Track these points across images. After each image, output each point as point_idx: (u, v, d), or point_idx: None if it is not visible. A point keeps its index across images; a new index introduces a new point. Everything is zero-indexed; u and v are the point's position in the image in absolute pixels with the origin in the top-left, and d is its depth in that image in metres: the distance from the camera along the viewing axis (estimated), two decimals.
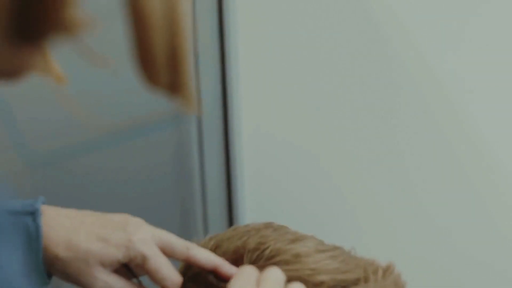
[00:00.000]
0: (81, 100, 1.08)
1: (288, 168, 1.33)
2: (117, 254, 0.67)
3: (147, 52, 0.37)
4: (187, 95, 0.41)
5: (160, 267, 0.68)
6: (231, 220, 1.32)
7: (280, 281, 0.66)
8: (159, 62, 0.38)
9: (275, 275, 0.66)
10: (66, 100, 1.06)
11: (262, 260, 0.70)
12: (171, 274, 0.69)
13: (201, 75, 1.28)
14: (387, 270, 0.73)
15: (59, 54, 0.40)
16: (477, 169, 1.24)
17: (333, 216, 1.31)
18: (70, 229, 0.67)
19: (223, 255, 0.71)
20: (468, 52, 1.20)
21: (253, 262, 0.71)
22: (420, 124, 1.24)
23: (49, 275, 0.70)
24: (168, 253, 0.70)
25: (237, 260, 0.71)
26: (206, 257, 0.70)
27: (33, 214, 0.66)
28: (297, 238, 0.73)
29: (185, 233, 1.04)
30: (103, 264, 0.67)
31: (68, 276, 0.68)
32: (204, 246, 0.73)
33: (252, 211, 1.31)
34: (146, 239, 0.68)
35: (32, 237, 0.66)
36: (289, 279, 0.67)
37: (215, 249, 0.72)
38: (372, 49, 1.23)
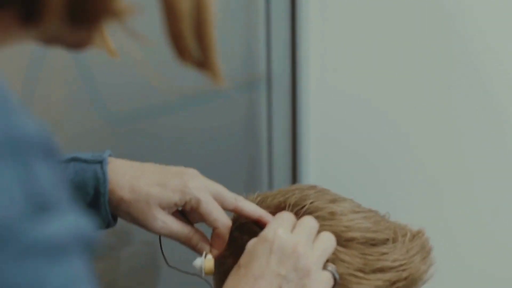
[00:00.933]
0: (156, 66, 1.17)
1: (355, 133, 1.37)
2: (174, 197, 0.75)
3: (176, 32, 0.45)
4: (215, 70, 0.49)
5: (212, 210, 0.76)
6: (294, 183, 1.37)
7: (313, 228, 0.72)
8: (187, 41, 0.46)
9: (309, 222, 0.73)
10: (142, 66, 1.15)
11: (300, 215, 0.77)
12: (222, 216, 0.77)
13: (272, 42, 1.34)
14: (416, 234, 0.79)
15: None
16: None
17: (396, 187, 1.35)
18: (133, 176, 0.76)
19: (267, 208, 0.78)
20: None
21: None
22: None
23: (115, 218, 0.80)
24: (219, 202, 0.77)
25: (267, 225, 0.79)
26: (252, 208, 0.78)
27: (101, 162, 0.76)
28: (336, 199, 0.80)
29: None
30: (162, 206, 0.75)
31: (131, 217, 0.76)
32: (251, 200, 0.80)
33: (315, 175, 1.37)
34: (200, 186, 0.76)
35: (100, 182, 0.75)
36: None
37: (260, 203, 0.80)
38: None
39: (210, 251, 0.77)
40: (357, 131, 1.37)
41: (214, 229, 0.77)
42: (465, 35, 1.26)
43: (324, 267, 0.71)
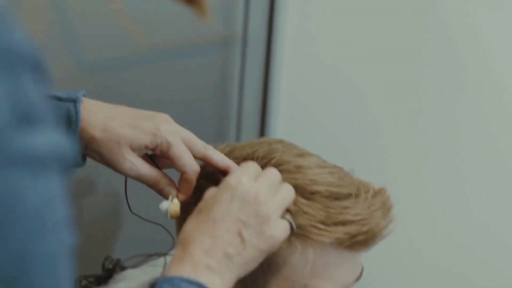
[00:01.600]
0: (134, 19, 1.18)
1: (323, 99, 1.39)
2: (145, 139, 0.76)
3: None
4: (202, 5, 0.50)
5: (182, 154, 0.77)
6: None
7: (276, 179, 0.74)
8: None
9: (273, 173, 0.74)
10: (122, 17, 1.15)
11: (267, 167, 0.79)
12: (191, 162, 0.78)
13: (251, 3, 1.34)
14: (378, 191, 0.81)
15: None
16: None
17: (360, 151, 1.38)
18: (106, 116, 0.76)
19: (234, 159, 0.80)
20: None
21: None
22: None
23: (84, 158, 0.80)
24: (188, 149, 0.78)
25: (231, 172, 0.80)
26: (220, 158, 0.79)
27: (75, 101, 0.76)
28: (303, 154, 0.81)
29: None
30: (132, 148, 0.76)
31: (101, 156, 0.77)
32: (220, 150, 0.82)
33: (282, 135, 1.38)
34: (172, 130, 0.77)
35: (72, 120, 0.75)
36: None
37: (228, 154, 0.81)
38: None
39: (177, 196, 0.78)
40: (326, 97, 1.40)
41: (182, 174, 0.78)
42: (442, 14, 1.28)
43: (282, 216, 0.73)
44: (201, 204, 0.72)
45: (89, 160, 0.82)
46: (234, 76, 1.36)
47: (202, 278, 0.67)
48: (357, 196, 0.79)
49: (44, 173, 0.43)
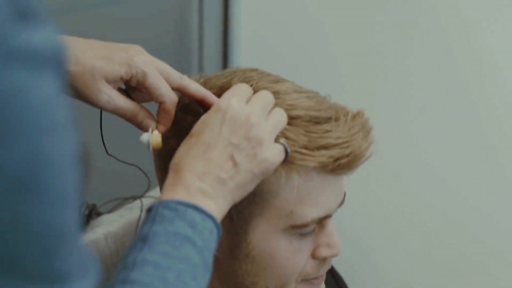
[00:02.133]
0: None
1: (284, 33, 1.39)
2: (120, 70, 0.73)
3: None
4: None
5: (159, 84, 0.74)
6: None
7: (269, 101, 0.73)
8: None
9: (266, 95, 0.73)
10: None
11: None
12: (169, 91, 0.75)
13: None
14: (357, 114, 0.81)
15: None
16: None
17: (319, 83, 1.38)
18: (78, 49, 0.73)
19: (210, 89, 0.78)
20: None
21: None
22: None
23: None
24: (164, 79, 0.75)
25: (222, 95, 0.78)
26: (196, 87, 0.76)
27: None
28: (279, 80, 0.80)
29: None
30: (107, 80, 0.73)
31: (76, 91, 0.73)
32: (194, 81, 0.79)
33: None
34: (146, 60, 0.74)
35: None
36: None
37: (204, 85, 0.79)
38: None
39: (157, 128, 0.76)
40: (286, 29, 1.39)
41: (161, 104, 0.76)
42: None
43: (276, 141, 0.72)
44: (192, 129, 0.71)
45: None
46: (193, 9, 1.33)
47: (196, 201, 0.66)
48: (337, 119, 0.78)
49: (45, 72, 0.42)
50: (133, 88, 0.76)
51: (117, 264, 0.98)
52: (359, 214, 1.47)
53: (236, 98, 0.71)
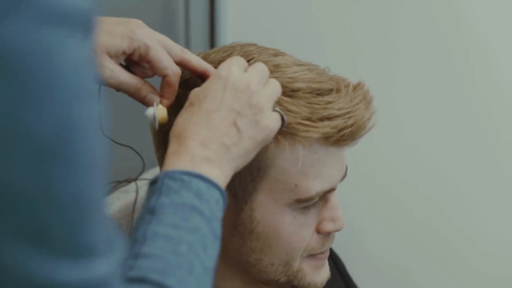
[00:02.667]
0: None
1: (270, 8, 1.38)
2: (122, 44, 0.71)
3: None
4: None
5: (162, 57, 0.73)
6: None
7: (265, 72, 0.72)
8: None
9: (262, 66, 0.72)
10: None
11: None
12: (172, 64, 0.74)
13: None
14: (358, 85, 0.80)
15: None
16: None
17: (308, 56, 1.38)
18: None
19: (211, 64, 0.76)
20: None
21: None
22: None
23: None
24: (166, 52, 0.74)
25: (220, 65, 0.77)
26: (197, 60, 0.75)
27: None
28: (278, 53, 0.79)
29: None
30: (110, 55, 0.71)
31: None
32: None
33: None
34: (148, 33, 0.73)
35: None
36: None
37: (203, 60, 0.77)
38: None
39: (161, 102, 0.75)
40: (274, 8, 1.38)
41: (164, 77, 0.74)
42: None
43: (273, 109, 0.71)
44: (191, 98, 0.69)
45: None
46: None
47: (201, 170, 0.65)
48: (338, 90, 0.77)
49: (77, 34, 0.41)
50: (134, 63, 0.75)
51: None
52: (351, 199, 1.47)
53: (236, 67, 0.70)
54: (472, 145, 1.39)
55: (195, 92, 0.70)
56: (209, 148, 0.66)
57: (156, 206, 0.62)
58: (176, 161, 0.66)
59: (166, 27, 1.31)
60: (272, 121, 0.70)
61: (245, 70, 0.71)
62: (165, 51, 0.73)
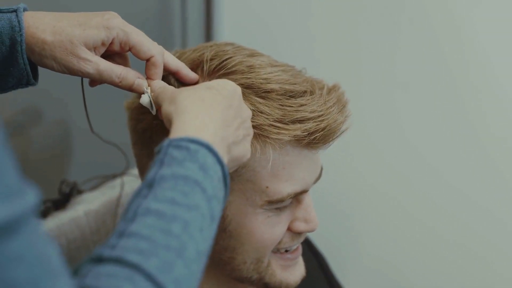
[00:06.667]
0: None
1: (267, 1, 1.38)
2: (100, 34, 0.71)
3: None
4: None
5: (144, 39, 0.73)
6: None
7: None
8: None
9: None
10: None
11: (218, 69, 0.77)
12: (155, 44, 0.74)
13: None
14: (333, 88, 0.80)
15: None
16: None
17: (303, 49, 1.38)
18: (54, 19, 0.72)
19: (185, 62, 0.77)
20: None
21: (211, 72, 0.77)
22: None
23: (35, 77, 0.75)
24: None
25: (196, 68, 0.78)
26: (171, 58, 0.76)
27: (16, 11, 0.71)
28: (254, 54, 0.79)
29: None
30: (88, 46, 0.71)
31: (57, 62, 0.71)
32: None
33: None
34: (123, 22, 0.73)
35: (16, 30, 0.70)
36: (242, 86, 0.74)
37: (179, 58, 0.78)
38: None
39: (149, 85, 0.74)
40: (270, 2, 1.39)
41: (150, 59, 0.74)
42: None
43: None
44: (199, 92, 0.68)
45: (34, 89, 0.77)
46: None
47: (209, 140, 0.62)
48: (312, 93, 0.78)
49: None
50: (116, 53, 0.75)
51: (98, 243, 0.98)
52: (342, 192, 1.47)
53: None
54: (468, 144, 1.39)
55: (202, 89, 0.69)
56: (218, 135, 0.64)
57: (155, 178, 0.58)
58: (185, 125, 0.62)
59: (162, 24, 1.32)
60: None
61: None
62: (144, 34, 0.73)
